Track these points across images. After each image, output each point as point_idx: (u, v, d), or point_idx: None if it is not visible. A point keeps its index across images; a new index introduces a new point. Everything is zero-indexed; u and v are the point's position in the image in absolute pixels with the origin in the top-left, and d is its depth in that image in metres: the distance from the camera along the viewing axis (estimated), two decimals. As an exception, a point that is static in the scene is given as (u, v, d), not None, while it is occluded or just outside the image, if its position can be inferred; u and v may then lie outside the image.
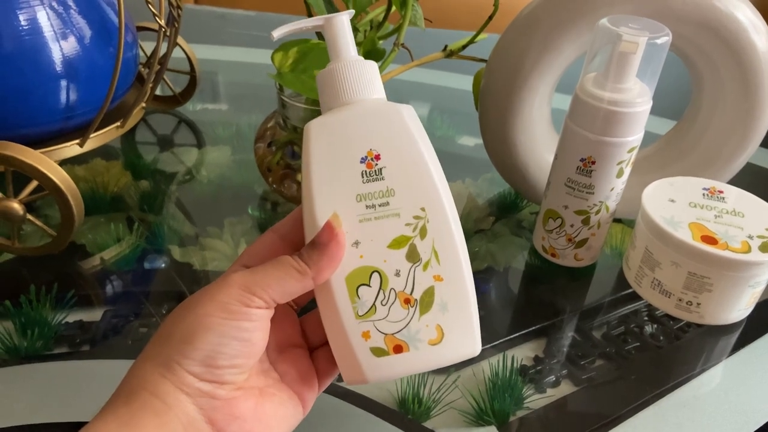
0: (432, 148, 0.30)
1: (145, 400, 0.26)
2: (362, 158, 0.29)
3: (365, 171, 0.29)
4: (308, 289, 0.29)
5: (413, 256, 0.29)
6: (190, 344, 0.27)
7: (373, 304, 0.30)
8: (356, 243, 0.29)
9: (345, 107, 0.30)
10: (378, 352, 0.30)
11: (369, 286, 0.30)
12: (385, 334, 0.30)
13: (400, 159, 0.29)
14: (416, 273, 0.30)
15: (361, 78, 0.31)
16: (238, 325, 0.27)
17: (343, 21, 0.31)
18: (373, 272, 0.30)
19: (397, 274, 0.30)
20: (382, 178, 0.29)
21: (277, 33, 0.32)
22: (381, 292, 0.30)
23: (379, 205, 0.29)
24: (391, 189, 0.29)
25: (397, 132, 0.29)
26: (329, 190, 0.29)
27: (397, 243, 0.29)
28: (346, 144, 0.30)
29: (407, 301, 0.30)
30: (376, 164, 0.29)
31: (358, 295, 0.30)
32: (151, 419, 0.26)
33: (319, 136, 0.30)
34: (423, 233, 0.29)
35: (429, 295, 0.30)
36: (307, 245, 0.29)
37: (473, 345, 0.31)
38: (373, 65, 0.31)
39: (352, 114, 0.30)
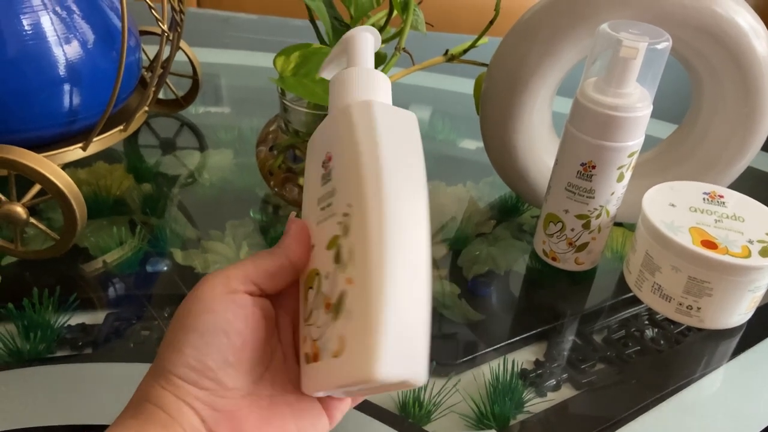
0: (383, 143, 0.26)
1: (151, 413, 0.26)
2: (323, 161, 0.29)
3: (323, 174, 0.29)
4: (285, 265, 0.28)
5: (338, 257, 0.26)
6: (177, 351, 0.26)
7: (311, 307, 0.28)
8: (312, 246, 0.29)
9: (328, 114, 0.30)
10: (307, 357, 0.28)
11: (312, 288, 0.28)
12: (312, 340, 0.27)
13: (342, 158, 0.27)
14: (338, 275, 0.26)
15: (352, 85, 0.29)
16: (218, 318, 0.26)
17: (367, 37, 0.31)
18: (315, 275, 0.28)
19: (327, 276, 0.27)
20: (330, 179, 0.28)
21: (325, 73, 0.33)
22: (317, 295, 0.27)
23: (327, 206, 0.28)
24: (335, 188, 0.27)
25: (343, 131, 0.28)
26: (306, 197, 0.30)
27: (330, 243, 0.27)
28: (317, 149, 0.30)
29: (327, 306, 0.26)
30: (329, 166, 0.28)
31: (306, 298, 0.28)
32: (158, 431, 0.26)
33: (310, 146, 0.31)
34: (346, 232, 0.26)
35: (341, 299, 0.25)
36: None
37: (370, 367, 0.23)
38: (374, 74, 0.30)
39: (325, 120, 0.30)
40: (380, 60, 0.48)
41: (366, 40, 0.31)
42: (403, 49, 0.48)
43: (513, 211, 0.57)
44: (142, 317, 0.43)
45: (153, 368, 0.27)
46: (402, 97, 0.73)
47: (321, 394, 0.28)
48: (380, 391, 0.27)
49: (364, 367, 0.24)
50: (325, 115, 0.30)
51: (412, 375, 0.24)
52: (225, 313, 0.27)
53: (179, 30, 0.51)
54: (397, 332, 0.24)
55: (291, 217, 0.30)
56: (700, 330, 0.45)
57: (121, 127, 0.50)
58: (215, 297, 0.27)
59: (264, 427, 0.27)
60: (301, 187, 0.50)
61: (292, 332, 0.30)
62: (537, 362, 0.42)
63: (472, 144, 0.66)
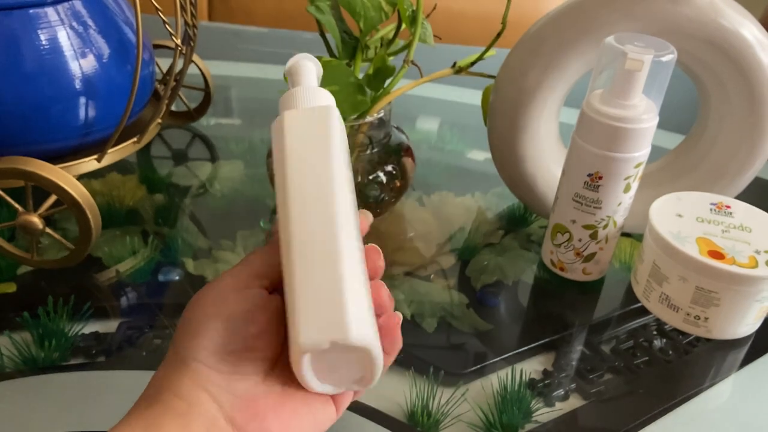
0: (292, 151, 0.30)
1: (167, 401, 0.27)
2: None
3: None
4: (276, 256, 0.30)
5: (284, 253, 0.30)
6: (199, 336, 0.28)
7: None
8: None
9: None
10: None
11: None
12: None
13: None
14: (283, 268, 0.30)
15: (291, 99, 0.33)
16: (237, 307, 0.28)
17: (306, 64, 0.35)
18: None
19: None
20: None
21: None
22: None
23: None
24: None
25: (278, 136, 0.31)
26: None
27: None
28: None
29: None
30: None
31: None
32: (174, 420, 0.26)
33: None
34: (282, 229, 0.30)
35: (288, 287, 0.29)
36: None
37: (298, 336, 0.26)
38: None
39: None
40: (389, 72, 0.49)
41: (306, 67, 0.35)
42: (412, 61, 0.49)
43: (521, 222, 0.57)
44: (154, 326, 0.44)
45: (168, 360, 0.28)
46: (411, 109, 0.74)
47: (318, 389, 0.29)
48: (357, 381, 0.28)
49: (296, 337, 0.26)
50: None
51: (337, 334, 0.26)
52: (244, 303, 0.28)
53: (192, 44, 0.52)
54: (313, 303, 0.27)
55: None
56: (708, 340, 0.45)
57: (135, 139, 0.51)
58: (233, 289, 0.29)
59: (279, 411, 0.28)
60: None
61: None
62: (545, 372, 0.43)
63: (480, 155, 0.66)
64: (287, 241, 0.28)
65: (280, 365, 0.29)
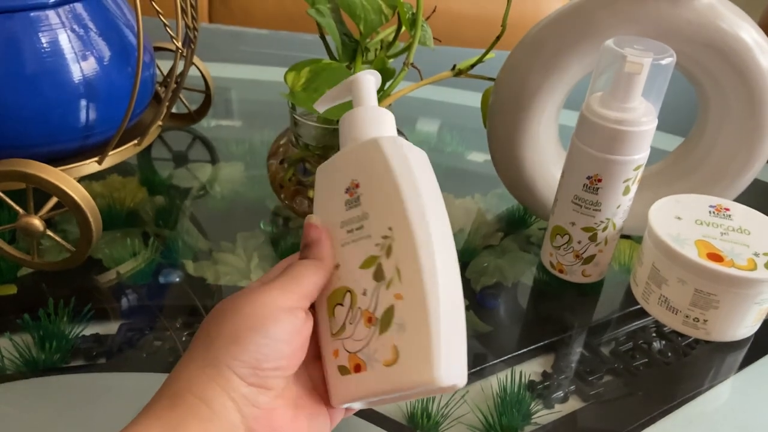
0: (415, 173, 0.30)
1: (191, 405, 0.26)
2: (347, 188, 0.31)
3: (347, 199, 0.31)
4: (326, 279, 0.31)
5: (379, 275, 0.29)
6: (239, 345, 0.27)
7: (344, 322, 0.30)
8: (337, 266, 0.31)
9: (345, 146, 0.33)
10: (343, 370, 0.30)
11: (342, 305, 0.30)
12: (349, 353, 0.30)
13: (373, 185, 0.30)
14: (380, 292, 0.29)
15: (365, 122, 0.32)
16: (282, 326, 0.28)
17: (368, 79, 0.34)
18: (346, 292, 0.30)
19: (365, 293, 0.30)
20: (359, 204, 0.31)
21: (319, 106, 0.36)
22: (350, 311, 0.30)
23: (356, 229, 0.30)
24: (366, 213, 0.30)
25: (374, 160, 0.30)
26: (324, 220, 0.32)
27: (367, 263, 0.30)
28: (336, 177, 0.32)
29: (370, 320, 0.29)
30: (356, 192, 0.31)
31: (333, 314, 0.31)
32: (196, 425, 0.26)
33: (323, 173, 0.33)
34: (389, 252, 0.29)
35: (389, 313, 0.29)
36: (304, 249, 0.32)
37: (430, 371, 0.27)
38: (381, 112, 0.33)
39: (345, 151, 0.32)
40: (389, 75, 0.49)
41: (370, 81, 0.34)
42: (412, 64, 0.49)
43: (520, 224, 0.57)
44: (154, 328, 0.44)
45: (196, 357, 0.28)
46: (411, 111, 0.74)
47: (346, 405, 0.31)
48: (405, 399, 0.30)
49: (423, 373, 0.27)
50: (334, 129, 0.32)
51: (458, 379, 0.28)
52: (287, 325, 0.28)
53: (192, 47, 0.52)
54: (447, 340, 0.27)
55: (316, 225, 0.32)
56: (707, 342, 0.45)
57: (136, 141, 0.51)
58: (279, 309, 0.29)
59: (293, 422, 0.29)
60: (311, 200, 0.51)
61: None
62: (545, 374, 0.43)
63: (480, 157, 0.66)
64: (416, 269, 0.28)
65: (293, 379, 0.30)
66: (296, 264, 0.31)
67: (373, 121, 0.32)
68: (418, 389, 0.28)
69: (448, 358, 0.27)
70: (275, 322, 0.28)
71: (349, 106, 0.34)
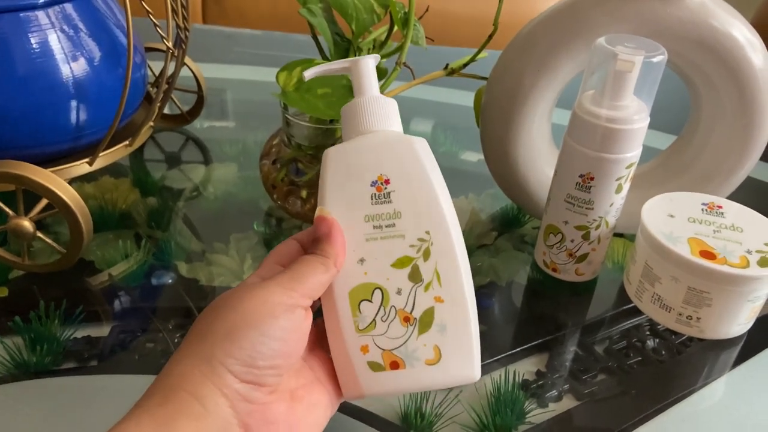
0: (441, 178, 0.32)
1: (183, 401, 0.26)
2: (373, 182, 0.31)
3: (374, 194, 0.31)
4: (333, 278, 0.31)
5: (415, 277, 0.31)
6: (234, 342, 0.27)
7: (374, 319, 0.31)
8: (361, 260, 0.31)
9: (362, 136, 0.32)
10: (375, 366, 0.31)
11: (371, 301, 0.31)
12: (383, 350, 0.31)
13: (409, 185, 0.31)
14: (417, 293, 0.31)
15: (379, 112, 0.32)
16: (280, 324, 0.28)
17: (368, 63, 0.34)
18: (375, 288, 0.31)
19: (399, 292, 0.31)
20: (390, 201, 0.31)
21: (308, 74, 0.34)
22: (382, 308, 0.31)
23: (386, 226, 0.31)
24: (398, 212, 0.31)
25: (407, 160, 0.31)
26: (340, 209, 0.31)
27: (400, 263, 0.31)
28: (359, 168, 0.31)
29: (407, 319, 0.31)
30: (386, 188, 0.31)
31: (359, 310, 0.31)
32: (188, 423, 0.26)
33: (336, 160, 0.32)
34: (426, 255, 0.30)
35: (428, 315, 0.31)
36: (313, 243, 0.31)
37: (471, 370, 0.31)
38: (392, 102, 0.33)
39: (367, 141, 0.32)
40: (381, 74, 0.49)
41: (371, 66, 0.34)
42: (404, 63, 0.49)
43: (514, 223, 0.57)
44: (147, 330, 0.44)
45: (188, 353, 0.28)
46: (403, 111, 0.73)
47: (372, 395, 0.32)
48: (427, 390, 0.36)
49: (465, 371, 0.31)
50: (327, 129, 0.32)
51: (478, 374, 0.32)
52: (286, 323, 0.28)
53: (184, 47, 0.52)
54: (477, 339, 0.32)
55: (328, 219, 0.31)
56: (700, 340, 0.45)
57: (127, 142, 0.51)
58: (279, 306, 0.28)
59: (288, 417, 0.29)
60: (303, 200, 0.51)
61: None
62: (538, 373, 0.43)
63: (474, 156, 0.66)
64: (456, 275, 0.31)
65: (290, 371, 0.30)
66: (303, 260, 0.30)
67: (389, 112, 0.33)
68: (454, 385, 0.32)
69: (479, 355, 0.32)
70: (273, 319, 0.28)
71: (343, 101, 0.34)
